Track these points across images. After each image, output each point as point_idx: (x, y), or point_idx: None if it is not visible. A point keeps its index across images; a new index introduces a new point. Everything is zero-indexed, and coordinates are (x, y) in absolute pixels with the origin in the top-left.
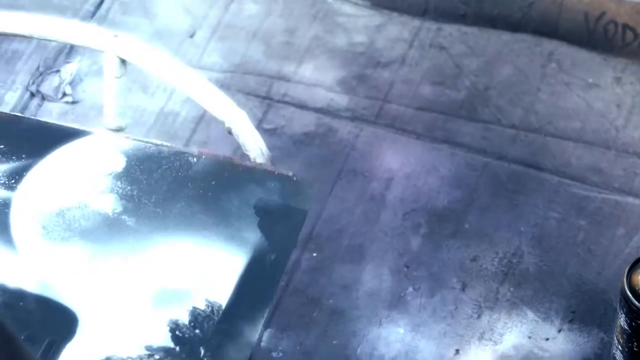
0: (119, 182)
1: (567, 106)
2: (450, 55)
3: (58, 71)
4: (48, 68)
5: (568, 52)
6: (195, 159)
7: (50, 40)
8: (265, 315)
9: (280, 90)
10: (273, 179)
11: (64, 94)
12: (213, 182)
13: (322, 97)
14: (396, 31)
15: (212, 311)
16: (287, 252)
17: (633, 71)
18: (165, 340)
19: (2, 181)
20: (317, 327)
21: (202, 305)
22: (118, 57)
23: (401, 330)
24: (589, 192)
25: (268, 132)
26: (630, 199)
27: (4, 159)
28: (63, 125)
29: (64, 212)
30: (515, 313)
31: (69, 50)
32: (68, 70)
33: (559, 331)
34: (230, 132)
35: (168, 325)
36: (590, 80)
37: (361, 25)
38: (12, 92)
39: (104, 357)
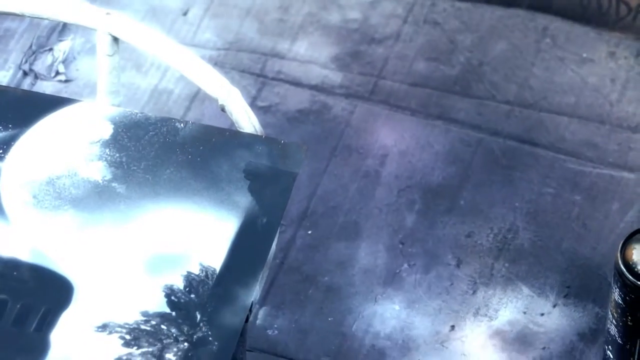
0: (107, 150)
1: (561, 81)
2: (444, 31)
3: (51, 49)
4: (41, 46)
5: (562, 27)
6: (182, 125)
7: (42, 19)
8: (259, 278)
9: (274, 68)
10: (261, 143)
11: (57, 73)
12: (201, 148)
13: (317, 74)
14: (390, 7)
15: (206, 276)
16: (278, 215)
17: (627, 45)
18: (161, 305)
19: None
20: (313, 305)
21: (196, 270)
22: (110, 35)
23: (397, 307)
24: (583, 167)
25: (262, 110)
26: (625, 174)
27: None
28: (48, 95)
29: (53, 181)
30: (510, 289)
31: (61, 29)
32: (61, 48)
33: (554, 306)
34: (223, 110)
35: (163, 291)
36: (585, 55)
37: (355, 2)
38: (5, 71)
39: (100, 324)
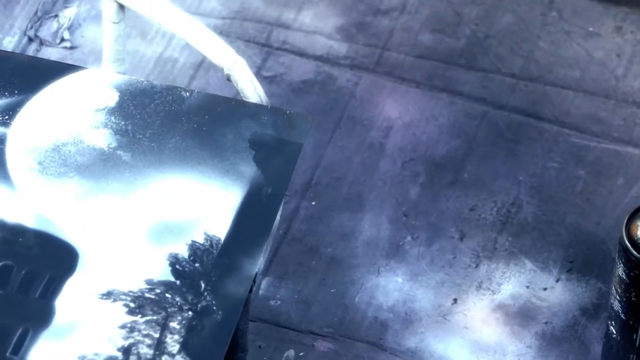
0: (112, 117)
1: (567, 55)
2: (450, 3)
3: (56, 16)
4: (46, 13)
5: (569, 1)
6: (187, 94)
7: None
8: (264, 248)
9: (280, 38)
10: (266, 113)
11: (62, 39)
12: (206, 117)
13: (322, 44)
14: None
15: (211, 245)
16: (283, 185)
17: (633, 20)
18: (165, 274)
19: None
20: (316, 276)
21: (200, 239)
22: (116, 2)
23: (399, 279)
24: (588, 142)
25: (267, 80)
26: (630, 149)
27: None
28: (54, 61)
29: (59, 148)
30: (513, 263)
31: None
32: (66, 15)
33: (557, 281)
34: (229, 79)
35: (168, 260)
36: (591, 29)
37: None
38: (10, 37)
39: (105, 292)
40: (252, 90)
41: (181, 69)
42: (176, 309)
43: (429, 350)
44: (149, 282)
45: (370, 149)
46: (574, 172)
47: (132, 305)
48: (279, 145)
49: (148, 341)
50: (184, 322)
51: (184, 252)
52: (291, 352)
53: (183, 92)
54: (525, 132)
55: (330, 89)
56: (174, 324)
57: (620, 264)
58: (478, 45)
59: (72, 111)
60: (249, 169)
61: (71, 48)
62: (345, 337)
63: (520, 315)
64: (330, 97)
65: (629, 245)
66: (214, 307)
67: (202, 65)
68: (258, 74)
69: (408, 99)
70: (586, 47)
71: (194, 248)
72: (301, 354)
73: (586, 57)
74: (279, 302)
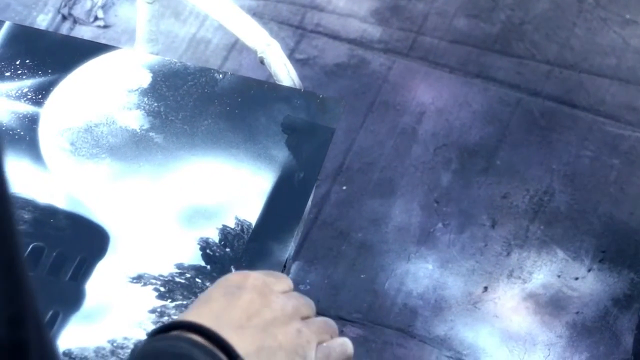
0: (145, 99)
1: (603, 42)
2: None
3: None
4: None
5: None
6: (220, 76)
7: None
8: (295, 234)
9: (313, 20)
10: (299, 97)
11: (96, 18)
12: (239, 99)
13: (356, 28)
14: None
15: (241, 230)
16: (315, 170)
17: None
18: (195, 258)
19: (29, 96)
20: (345, 261)
21: (231, 224)
22: None
23: (430, 266)
24: (622, 131)
25: (300, 62)
26: None
27: (30, 73)
28: (87, 40)
29: (91, 129)
30: (545, 251)
31: None
32: None
33: (589, 271)
34: (262, 62)
35: (198, 244)
36: (628, 17)
37: None
38: (44, 14)
39: (135, 275)
40: (285, 74)
41: (214, 50)
42: None
43: (459, 338)
44: (179, 266)
45: (403, 134)
46: (607, 161)
47: (162, 289)
48: (311, 130)
49: None
50: None
51: (214, 237)
52: None
53: (216, 74)
54: (559, 119)
55: (363, 73)
56: None
57: None
58: (513, 31)
59: (104, 91)
60: (281, 153)
61: (104, 27)
62: (375, 323)
63: (551, 304)
64: (363, 81)
65: None
66: None
67: (235, 46)
68: (291, 56)
69: (441, 84)
70: (623, 34)
71: (224, 232)
72: None
73: (622, 44)
74: (308, 286)
